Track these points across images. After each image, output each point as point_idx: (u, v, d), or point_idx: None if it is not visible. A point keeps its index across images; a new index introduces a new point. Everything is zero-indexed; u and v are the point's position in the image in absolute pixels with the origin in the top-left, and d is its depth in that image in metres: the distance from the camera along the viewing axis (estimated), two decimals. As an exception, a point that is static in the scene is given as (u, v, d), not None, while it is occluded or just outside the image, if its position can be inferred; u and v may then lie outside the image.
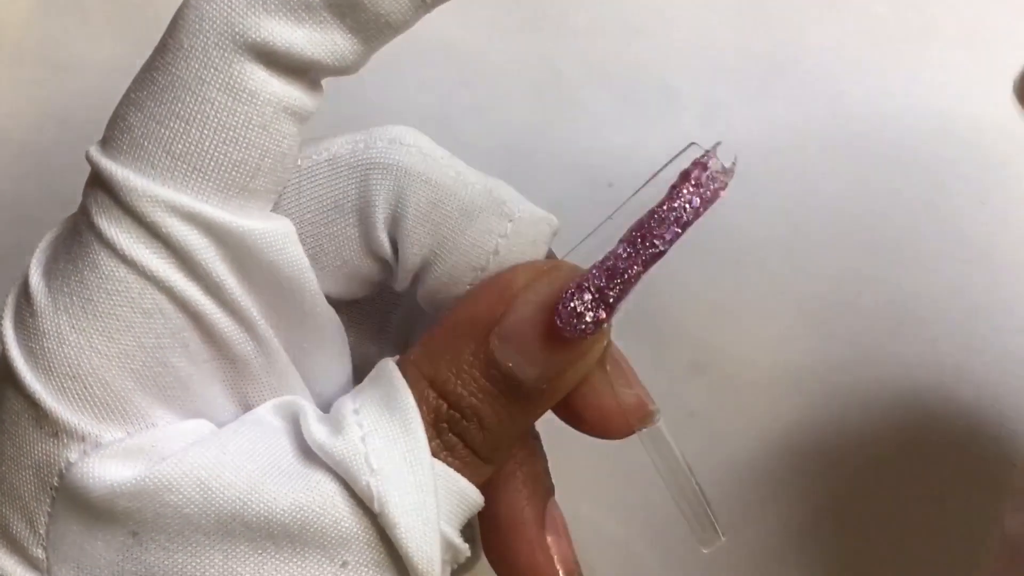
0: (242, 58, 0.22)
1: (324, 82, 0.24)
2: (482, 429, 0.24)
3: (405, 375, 0.24)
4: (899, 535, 0.38)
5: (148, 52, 0.23)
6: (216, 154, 0.22)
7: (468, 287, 0.25)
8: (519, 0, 0.37)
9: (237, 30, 0.22)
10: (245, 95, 0.22)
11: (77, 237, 0.23)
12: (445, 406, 0.24)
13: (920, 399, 0.38)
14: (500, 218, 0.25)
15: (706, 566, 0.38)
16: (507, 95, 0.37)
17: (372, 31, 0.23)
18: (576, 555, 0.26)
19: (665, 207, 0.23)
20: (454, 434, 0.24)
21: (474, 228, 0.24)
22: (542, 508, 0.26)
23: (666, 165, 0.24)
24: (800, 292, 0.38)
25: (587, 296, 0.23)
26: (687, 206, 0.23)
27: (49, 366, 0.22)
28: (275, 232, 0.23)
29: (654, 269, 0.23)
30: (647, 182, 0.24)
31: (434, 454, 0.23)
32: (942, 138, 0.37)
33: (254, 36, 0.22)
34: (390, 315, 0.29)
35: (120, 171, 0.22)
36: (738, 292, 0.37)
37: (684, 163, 0.24)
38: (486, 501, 0.25)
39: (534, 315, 0.24)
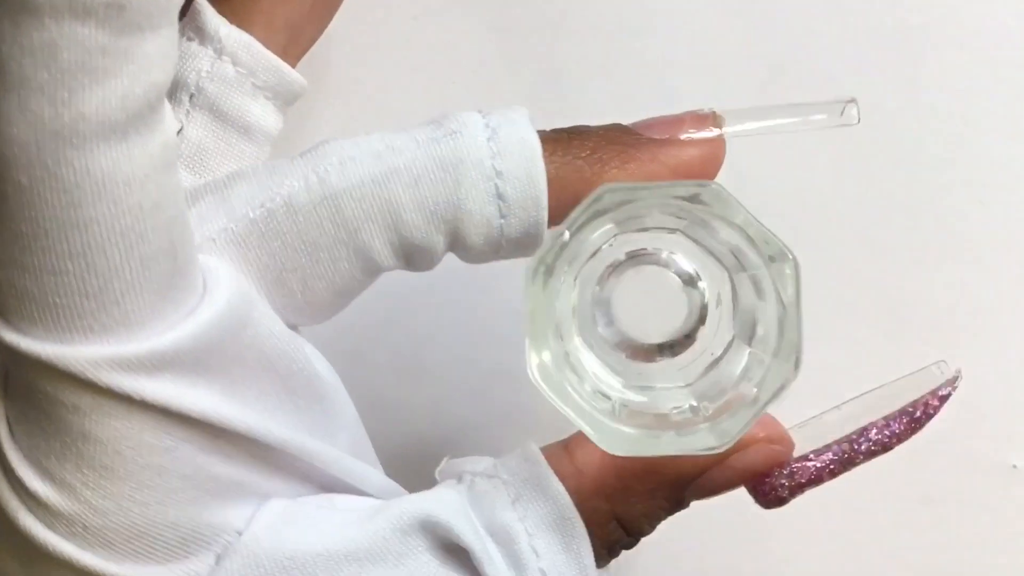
0: (80, 149, 0.19)
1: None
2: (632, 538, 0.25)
3: (587, 505, 0.24)
4: (898, 535, 0.38)
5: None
6: (133, 270, 0.21)
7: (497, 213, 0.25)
8: (519, 0, 0.36)
9: (63, 127, 0.19)
10: (116, 181, 0.20)
11: (47, 419, 0.21)
12: (624, 535, 0.25)
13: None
14: (451, 135, 0.25)
15: (712, 548, 0.38)
16: (507, 95, 0.37)
17: None
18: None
19: (887, 438, 0.25)
20: (614, 549, 0.25)
21: (462, 168, 0.24)
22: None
23: (905, 376, 0.25)
24: (800, 292, 0.37)
25: (785, 482, 0.25)
26: (897, 441, 0.25)
27: (106, 540, 0.22)
28: (218, 323, 0.22)
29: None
30: (879, 387, 0.25)
31: None
32: (942, 138, 0.36)
33: (72, 121, 0.19)
34: None
35: (51, 349, 0.20)
36: (738, 292, 0.37)
37: (924, 383, 0.25)
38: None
39: (736, 479, 0.25)
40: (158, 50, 0.20)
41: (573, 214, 0.23)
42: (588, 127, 0.26)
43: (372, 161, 0.24)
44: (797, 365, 0.23)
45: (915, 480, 0.37)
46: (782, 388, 0.23)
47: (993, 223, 0.37)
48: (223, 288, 0.23)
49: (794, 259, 0.23)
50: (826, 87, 0.36)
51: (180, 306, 0.22)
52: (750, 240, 0.23)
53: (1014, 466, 0.37)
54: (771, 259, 0.23)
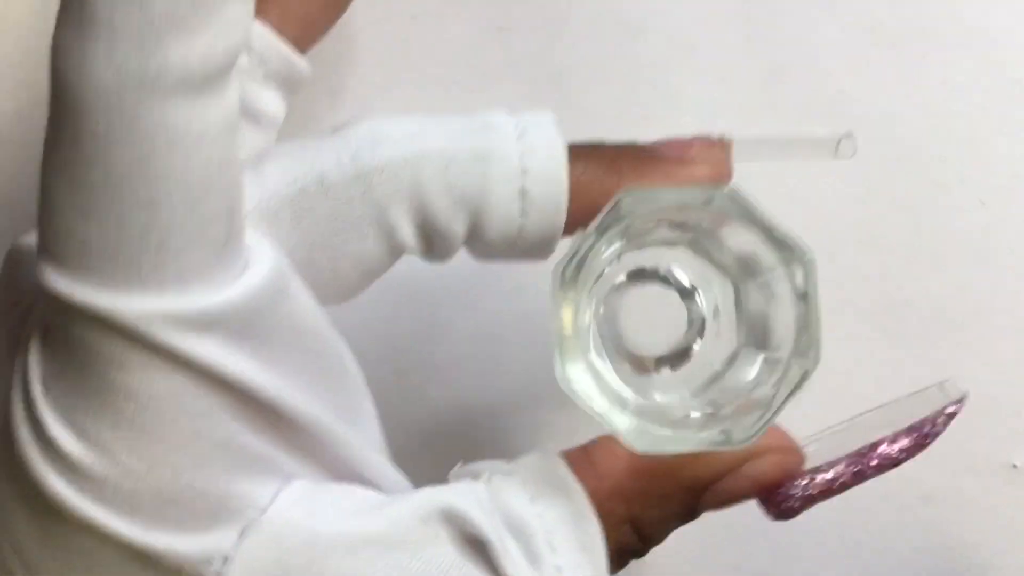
0: (160, 99, 0.20)
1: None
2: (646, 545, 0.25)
3: (603, 506, 0.24)
4: (898, 535, 0.38)
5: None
6: (194, 227, 0.20)
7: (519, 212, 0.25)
8: (519, 0, 0.37)
9: (146, 76, 0.19)
10: (188, 136, 0.20)
11: (88, 376, 0.21)
12: (637, 541, 0.25)
13: (920, 399, 0.38)
14: (488, 131, 0.25)
15: (716, 555, 0.38)
16: (507, 95, 0.37)
17: None
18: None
19: (896, 453, 0.25)
20: (624, 555, 0.25)
21: (491, 155, 0.25)
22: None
23: (914, 394, 0.26)
24: (800, 292, 0.38)
25: (797, 492, 0.25)
26: (906, 456, 0.25)
27: (135, 505, 0.21)
28: (265, 289, 0.22)
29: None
30: (888, 404, 0.26)
31: None
32: (942, 138, 0.36)
33: (156, 70, 0.19)
34: None
35: (105, 300, 0.20)
36: (738, 292, 0.37)
37: (932, 401, 0.26)
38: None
39: (749, 489, 0.25)
40: (237, 15, 0.20)
41: (596, 219, 0.23)
42: (605, 142, 0.27)
43: (405, 142, 0.25)
44: (817, 359, 0.23)
45: (915, 480, 0.37)
46: (802, 382, 0.23)
47: (993, 223, 0.37)
48: (266, 257, 0.23)
49: (810, 254, 0.23)
50: (826, 87, 0.36)
51: (229, 269, 0.22)
52: (764, 240, 0.23)
53: (1014, 466, 0.37)
54: (786, 257, 0.23)
